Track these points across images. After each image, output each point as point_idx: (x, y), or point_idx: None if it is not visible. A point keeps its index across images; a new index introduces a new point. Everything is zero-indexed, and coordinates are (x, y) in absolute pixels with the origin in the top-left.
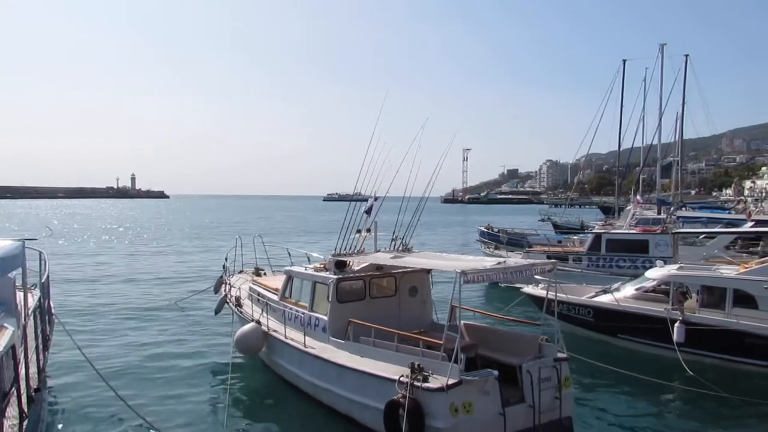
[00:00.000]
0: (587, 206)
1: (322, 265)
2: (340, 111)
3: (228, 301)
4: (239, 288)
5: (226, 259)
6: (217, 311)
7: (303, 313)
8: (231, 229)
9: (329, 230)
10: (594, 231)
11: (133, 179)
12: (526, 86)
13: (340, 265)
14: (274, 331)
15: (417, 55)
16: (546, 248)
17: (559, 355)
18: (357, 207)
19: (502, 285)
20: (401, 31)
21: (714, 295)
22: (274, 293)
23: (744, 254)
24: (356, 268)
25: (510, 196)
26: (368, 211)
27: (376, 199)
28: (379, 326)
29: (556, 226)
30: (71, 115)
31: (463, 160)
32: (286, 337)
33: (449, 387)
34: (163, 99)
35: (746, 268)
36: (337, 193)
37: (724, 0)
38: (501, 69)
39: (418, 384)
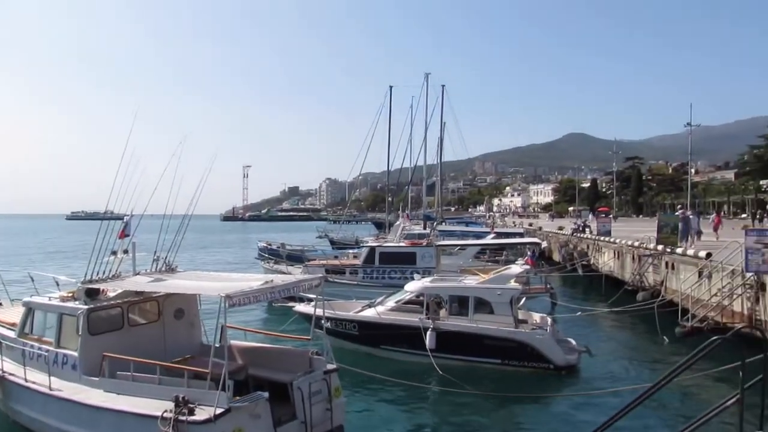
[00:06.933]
0: (363, 222)
1: (69, 294)
2: (88, 120)
3: None
4: None
5: None
6: None
7: (47, 351)
8: None
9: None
10: (368, 245)
11: None
12: (307, 106)
13: (92, 293)
14: (11, 374)
15: (198, 71)
16: (325, 262)
17: (329, 366)
18: (111, 226)
19: (276, 305)
20: (183, 45)
21: (460, 303)
22: (10, 329)
23: (489, 263)
24: (112, 295)
25: (291, 213)
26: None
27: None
28: (139, 358)
29: (332, 242)
30: None
31: (244, 177)
32: (26, 380)
33: (217, 417)
34: None
35: (484, 278)
36: (83, 211)
37: (473, 41)
38: (282, 87)
39: (183, 418)
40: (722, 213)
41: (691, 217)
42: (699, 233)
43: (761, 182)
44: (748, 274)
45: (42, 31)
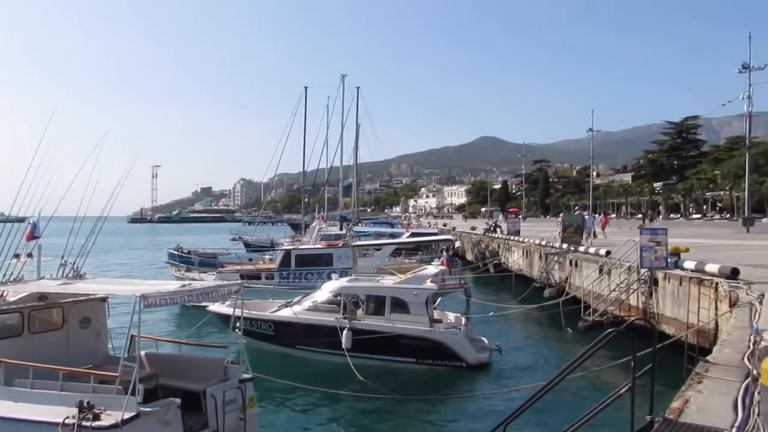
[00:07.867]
0: (279, 223)
1: None
2: None
3: None
4: None
5: None
6: None
7: None
8: None
9: None
10: (283, 248)
11: None
12: (213, 105)
13: None
14: None
15: (97, 69)
16: (239, 267)
17: (244, 375)
18: (16, 229)
19: (189, 305)
20: (77, 42)
21: (377, 303)
22: None
23: (406, 261)
24: (12, 299)
25: (204, 215)
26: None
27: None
28: (38, 364)
29: (247, 245)
30: None
31: (153, 177)
32: None
33: (124, 422)
34: None
35: (401, 278)
36: None
37: (387, 47)
38: (190, 87)
39: (87, 423)
40: (620, 213)
41: (586, 217)
42: (594, 233)
43: (654, 185)
44: (643, 270)
45: None
